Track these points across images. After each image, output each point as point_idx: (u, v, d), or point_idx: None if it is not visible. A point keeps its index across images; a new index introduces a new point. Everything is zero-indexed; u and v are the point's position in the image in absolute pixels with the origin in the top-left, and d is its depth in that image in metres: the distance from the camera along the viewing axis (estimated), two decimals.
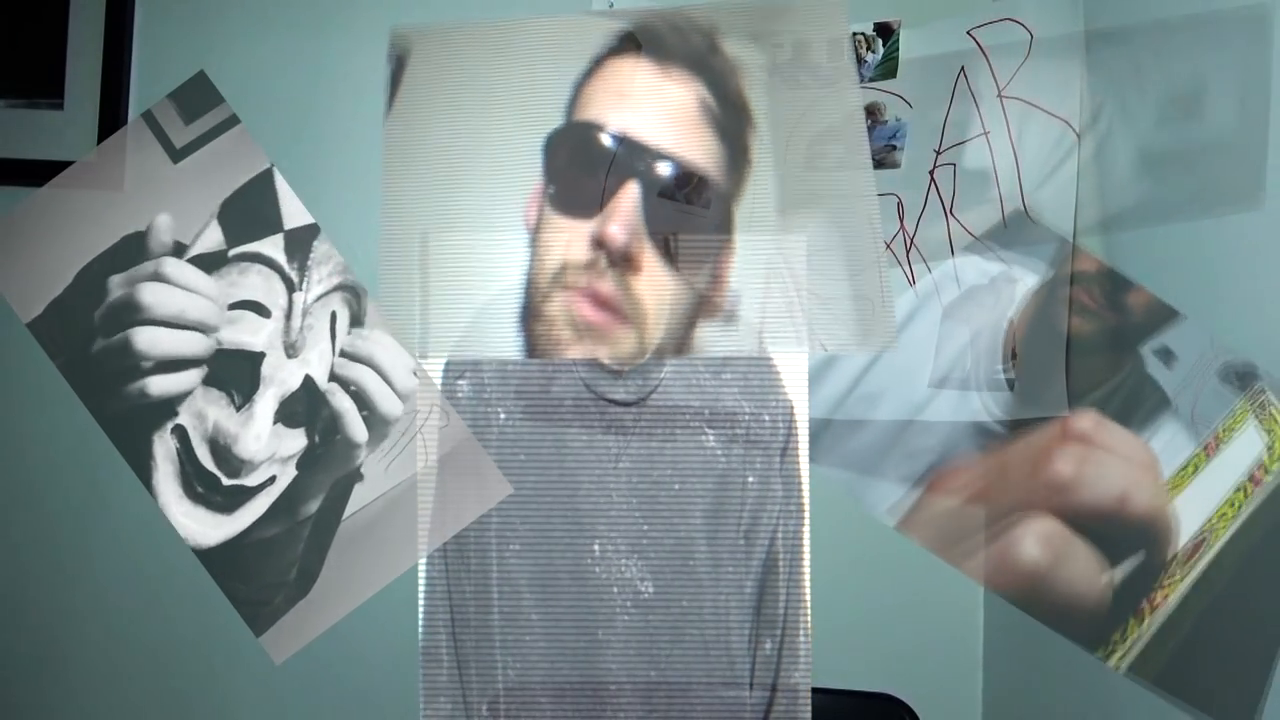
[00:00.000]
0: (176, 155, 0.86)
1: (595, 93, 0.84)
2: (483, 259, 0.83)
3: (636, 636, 0.82)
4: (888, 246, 0.89)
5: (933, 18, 0.96)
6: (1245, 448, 0.76)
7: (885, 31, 0.94)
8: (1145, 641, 0.79)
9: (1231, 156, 0.76)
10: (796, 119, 0.84)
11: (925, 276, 0.89)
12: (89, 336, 0.80)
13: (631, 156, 0.82)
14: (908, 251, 0.90)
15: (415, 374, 0.82)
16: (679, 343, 0.82)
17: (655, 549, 0.82)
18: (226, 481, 0.79)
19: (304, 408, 0.80)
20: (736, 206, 0.83)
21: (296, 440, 0.81)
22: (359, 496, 0.82)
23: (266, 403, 0.80)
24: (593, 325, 0.81)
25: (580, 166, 0.83)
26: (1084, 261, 0.85)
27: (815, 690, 0.81)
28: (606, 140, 0.82)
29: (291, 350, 0.80)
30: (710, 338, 0.82)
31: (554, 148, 0.84)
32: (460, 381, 0.83)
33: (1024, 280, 0.86)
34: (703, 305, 0.82)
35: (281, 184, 0.81)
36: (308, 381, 0.81)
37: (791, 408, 0.83)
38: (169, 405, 0.81)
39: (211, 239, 0.81)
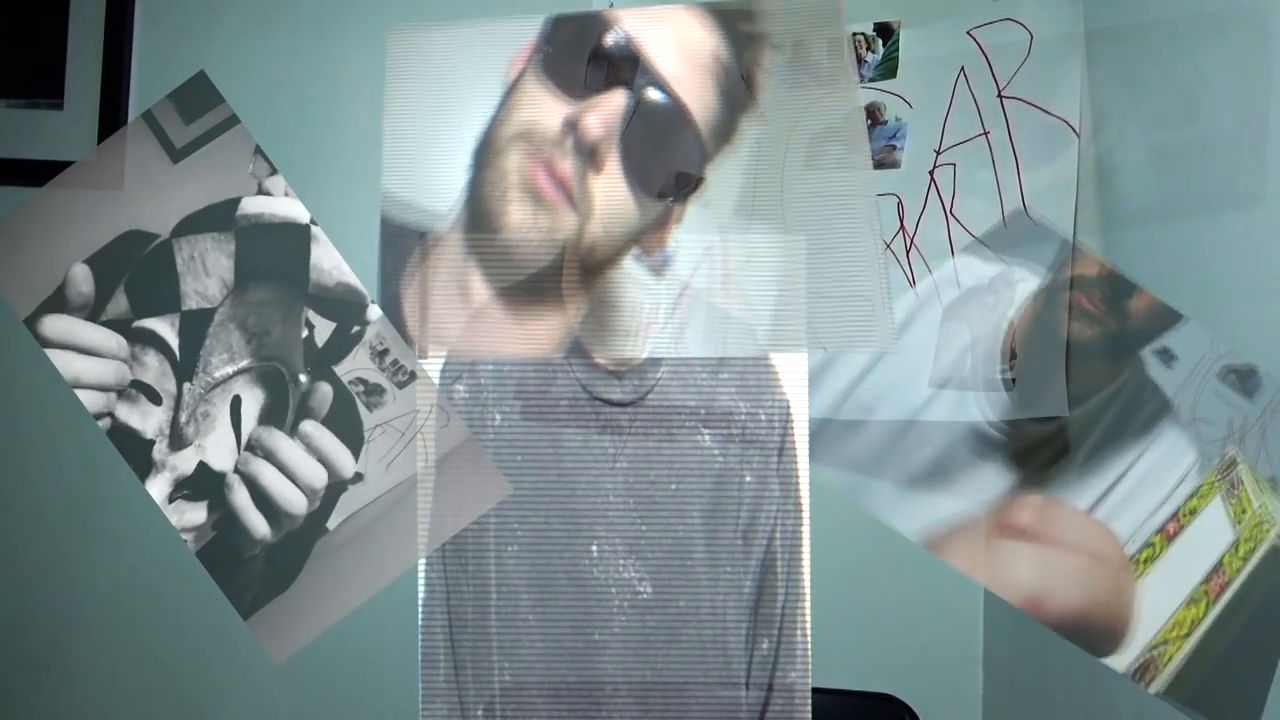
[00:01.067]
0: (176, 155, 0.86)
1: None
2: (484, 258, 0.83)
3: (634, 637, 0.82)
4: (888, 246, 0.89)
5: (933, 18, 0.96)
6: (1208, 538, 0.76)
7: (885, 31, 0.94)
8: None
9: (1231, 156, 0.76)
10: (796, 119, 0.84)
11: (925, 277, 0.89)
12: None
13: (632, 67, 0.82)
14: (908, 251, 0.90)
15: (415, 374, 0.81)
16: (606, 259, 0.82)
17: (653, 549, 0.82)
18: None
19: (201, 490, 0.79)
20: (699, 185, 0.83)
21: (199, 514, 0.80)
22: (359, 497, 0.82)
23: (158, 486, 0.80)
24: (541, 195, 0.82)
25: (581, 47, 0.84)
26: (1084, 262, 0.85)
27: (815, 690, 0.81)
28: (617, 39, 0.83)
29: (177, 441, 0.79)
30: (710, 338, 0.82)
31: (564, 21, 0.85)
32: (457, 384, 0.83)
33: (1024, 280, 0.86)
34: (641, 240, 0.82)
35: (181, 257, 0.79)
36: (202, 468, 0.79)
37: (789, 407, 0.82)
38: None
39: (118, 306, 0.80)
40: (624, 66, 0.82)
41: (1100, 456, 0.83)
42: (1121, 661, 0.78)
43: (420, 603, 0.83)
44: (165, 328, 0.78)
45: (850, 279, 0.83)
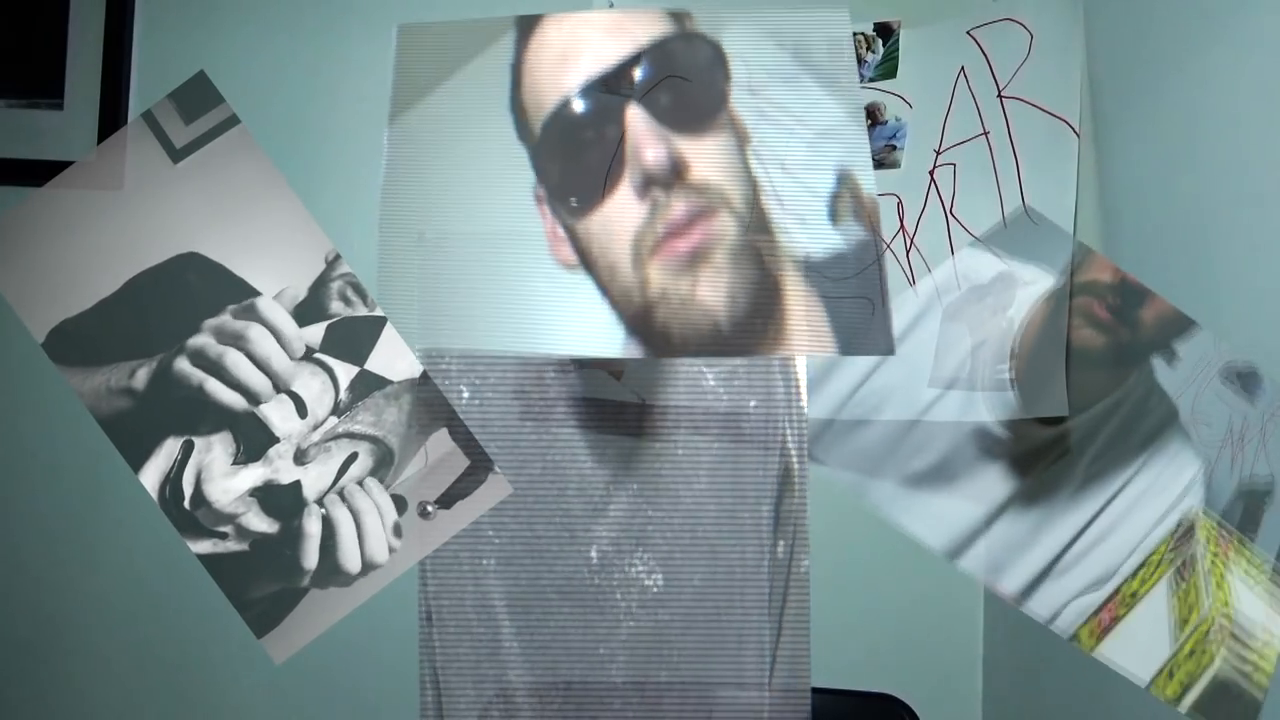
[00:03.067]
0: (176, 155, 0.86)
1: (542, 60, 0.82)
2: (484, 259, 0.83)
3: (637, 639, 0.82)
4: (887, 246, 0.89)
5: (933, 18, 0.96)
6: (1142, 649, 0.77)
7: (885, 31, 0.94)
8: None
9: (1232, 155, 0.76)
10: (796, 119, 0.84)
11: (925, 276, 0.89)
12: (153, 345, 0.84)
13: (617, 94, 0.79)
14: (908, 252, 0.90)
15: (420, 513, 0.83)
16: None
17: (654, 551, 0.82)
18: (186, 505, 0.83)
19: (282, 506, 0.83)
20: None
21: (263, 524, 0.83)
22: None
23: (252, 473, 0.83)
24: (696, 250, 0.77)
25: (576, 146, 0.80)
26: (1089, 263, 0.85)
27: (815, 690, 0.81)
28: (591, 100, 0.80)
29: (300, 456, 0.83)
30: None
31: (543, 147, 0.82)
32: (461, 385, 0.83)
33: (1024, 280, 0.86)
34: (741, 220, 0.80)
35: (389, 335, 0.83)
36: (295, 485, 0.82)
37: (790, 407, 0.82)
38: (193, 422, 0.84)
39: (313, 335, 0.84)
40: (607, 104, 0.80)
41: (1103, 463, 0.83)
42: None
43: (420, 603, 0.83)
44: (341, 370, 0.83)
45: (850, 279, 0.83)
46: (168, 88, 0.86)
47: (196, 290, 0.85)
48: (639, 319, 0.78)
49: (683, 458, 0.83)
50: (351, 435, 0.83)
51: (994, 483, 0.86)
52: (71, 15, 1.35)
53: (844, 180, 0.82)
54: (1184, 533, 0.77)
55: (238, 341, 0.84)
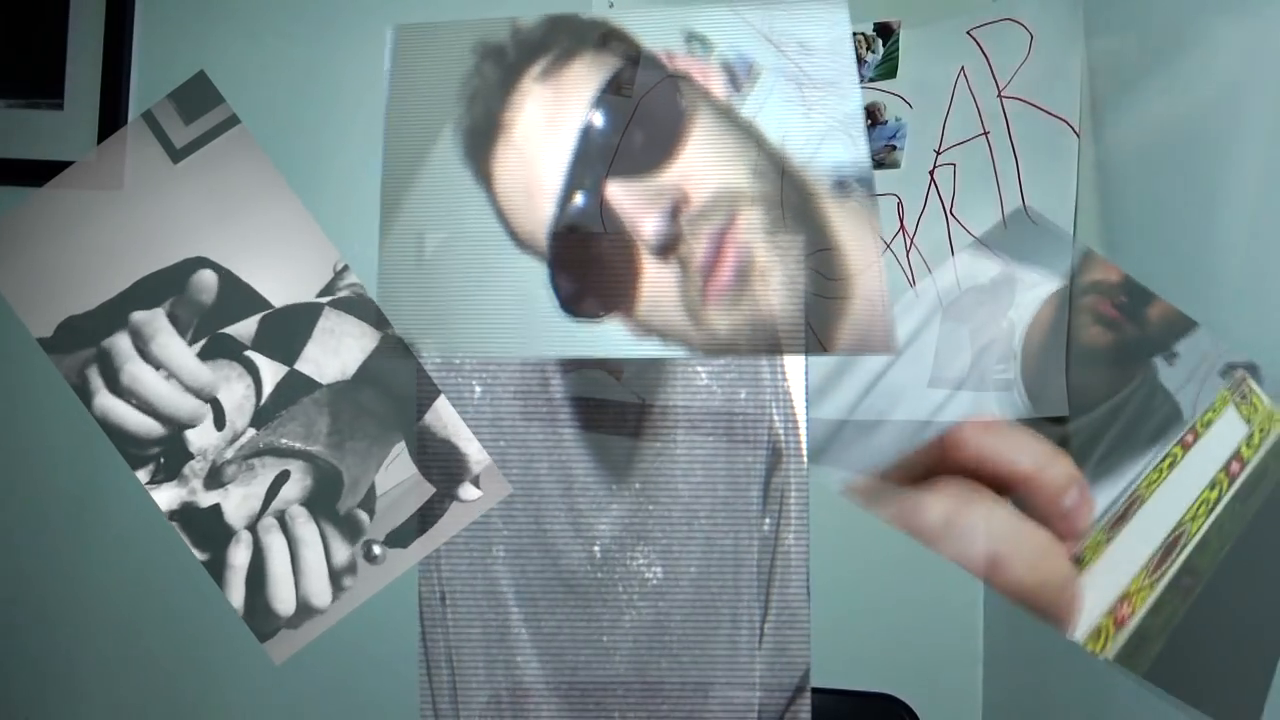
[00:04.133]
0: (176, 155, 0.86)
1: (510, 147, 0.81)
2: (485, 259, 0.83)
3: (635, 638, 0.82)
4: (887, 246, 0.89)
5: (933, 18, 0.96)
6: (1223, 437, 0.76)
7: (885, 31, 0.94)
8: (1127, 638, 0.78)
9: (1232, 155, 0.76)
10: (796, 119, 0.84)
11: (925, 276, 0.89)
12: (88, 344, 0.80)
13: (586, 173, 0.79)
14: (908, 252, 0.90)
15: (366, 555, 0.78)
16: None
17: (654, 545, 0.82)
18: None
19: (206, 535, 0.76)
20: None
21: (197, 553, 0.77)
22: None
23: (166, 494, 0.77)
24: (739, 269, 0.76)
25: (584, 258, 0.79)
26: (1091, 264, 0.85)
27: (815, 690, 0.81)
28: (571, 205, 0.78)
29: (214, 476, 0.75)
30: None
31: (554, 265, 0.80)
32: (473, 381, 0.83)
33: (1024, 279, 0.86)
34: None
35: (323, 327, 0.77)
36: (214, 510, 0.76)
37: (791, 407, 0.83)
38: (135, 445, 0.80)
39: (245, 330, 0.78)
40: (582, 184, 0.79)
41: (1109, 464, 0.82)
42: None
43: (432, 585, 0.83)
44: (269, 371, 0.76)
45: (850, 279, 0.83)
46: (168, 88, 0.86)
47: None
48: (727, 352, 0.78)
49: (680, 455, 0.83)
50: (277, 451, 0.74)
51: None
52: (71, 15, 1.35)
53: (843, 180, 0.82)
54: (1238, 380, 0.78)
55: (142, 350, 0.78)
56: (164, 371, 0.78)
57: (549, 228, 0.80)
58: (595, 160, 0.79)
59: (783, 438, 0.83)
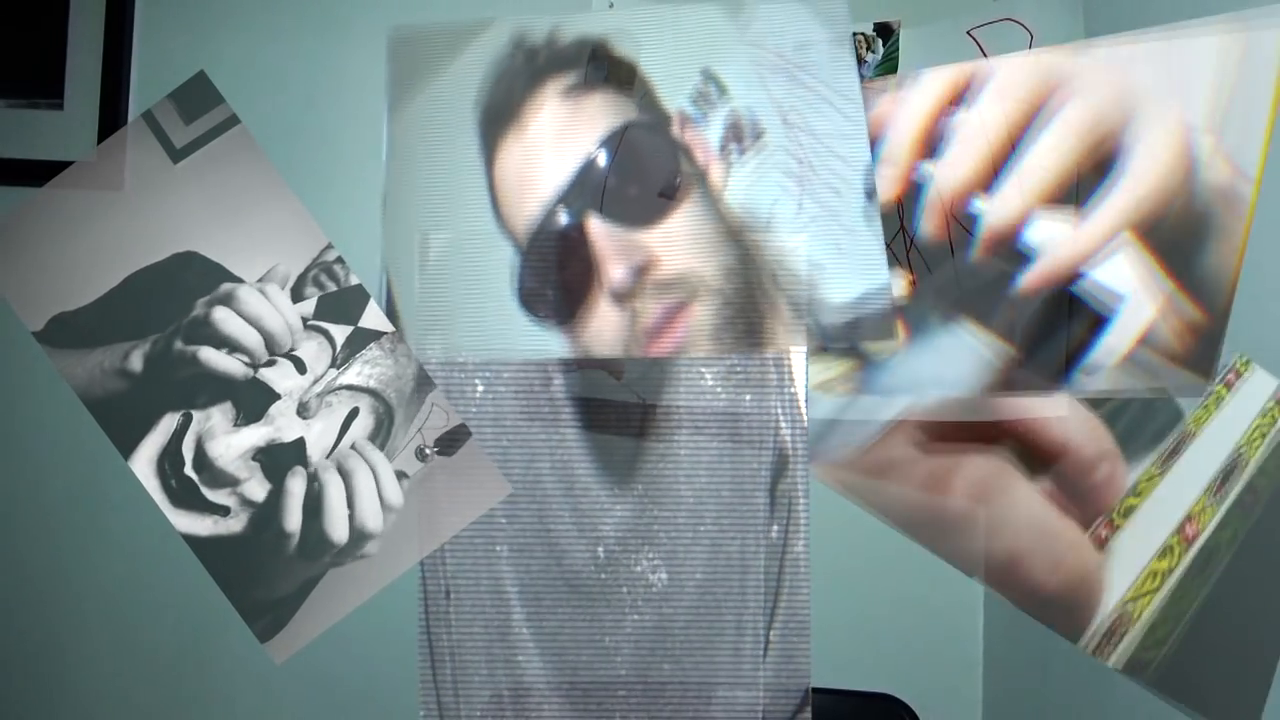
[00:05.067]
0: (176, 155, 0.86)
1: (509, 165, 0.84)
2: (486, 259, 0.83)
3: (638, 641, 0.82)
4: (888, 246, 0.89)
5: (933, 18, 0.96)
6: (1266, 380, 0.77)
7: (885, 31, 0.94)
8: (1135, 644, 0.78)
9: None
10: (796, 119, 0.84)
11: (925, 276, 0.89)
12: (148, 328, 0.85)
13: (579, 196, 0.82)
14: (908, 251, 0.90)
15: (418, 456, 0.83)
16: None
17: (659, 549, 0.82)
18: (188, 471, 0.83)
19: (284, 466, 0.83)
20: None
21: (262, 492, 0.83)
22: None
23: (255, 432, 0.83)
24: (679, 346, 0.81)
25: (555, 265, 0.83)
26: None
27: (815, 690, 0.81)
28: (557, 221, 0.83)
29: (303, 409, 0.83)
30: (711, 337, 0.82)
31: (526, 264, 0.83)
32: (476, 379, 0.83)
33: (1024, 279, 0.86)
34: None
35: (373, 306, 0.85)
36: (299, 443, 0.83)
37: (793, 407, 0.83)
38: (191, 396, 0.84)
39: (305, 308, 0.85)
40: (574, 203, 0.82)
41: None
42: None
43: (420, 603, 0.83)
44: (337, 330, 0.84)
45: (850, 279, 0.83)
46: (168, 88, 0.86)
47: (194, 286, 0.85)
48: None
49: (684, 457, 0.83)
50: (352, 388, 0.83)
51: None
52: (71, 15, 1.35)
53: (844, 179, 0.82)
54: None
55: (227, 301, 0.85)
56: (251, 320, 0.85)
57: (530, 226, 0.83)
58: (588, 190, 0.82)
59: (789, 443, 0.83)
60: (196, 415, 0.84)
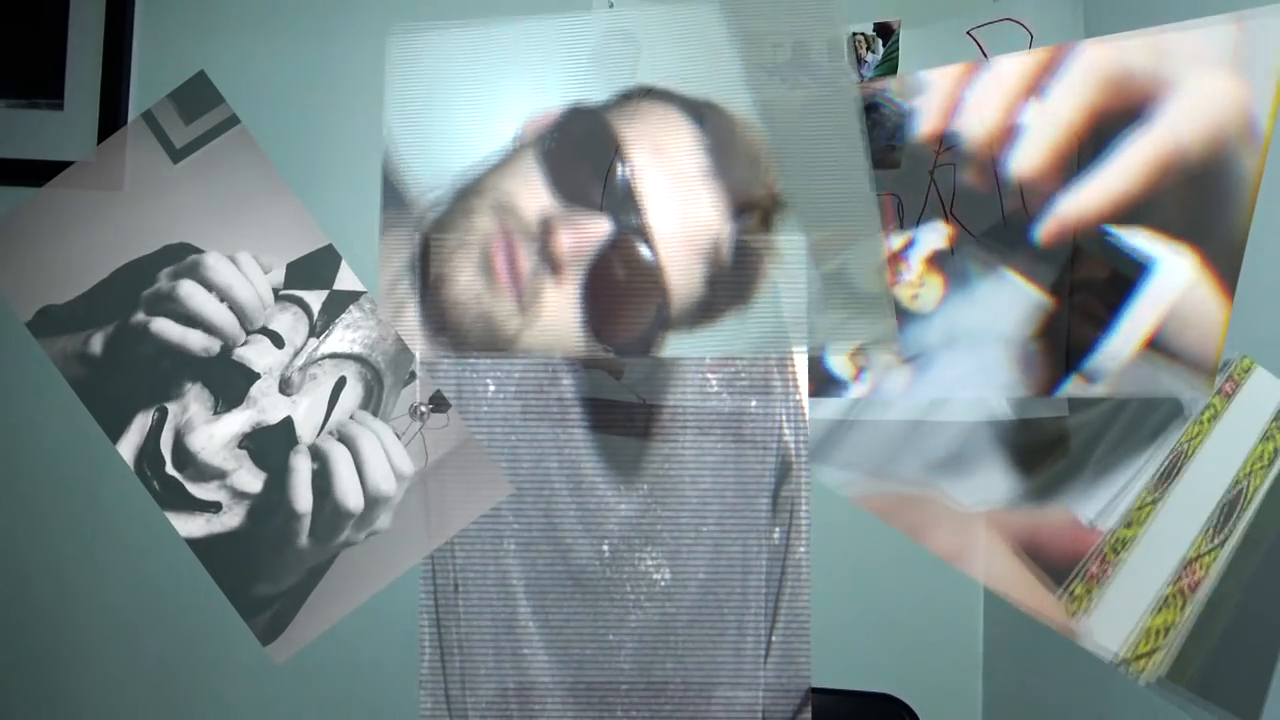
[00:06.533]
0: (176, 155, 0.86)
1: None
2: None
3: (641, 638, 0.82)
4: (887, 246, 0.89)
5: (933, 18, 0.96)
6: (1265, 388, 0.75)
7: (885, 31, 0.94)
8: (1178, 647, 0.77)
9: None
10: (796, 119, 0.84)
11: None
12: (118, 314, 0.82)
13: (629, 209, 0.80)
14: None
15: (412, 414, 0.80)
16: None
17: (663, 548, 0.82)
18: (169, 470, 0.79)
19: (273, 451, 0.79)
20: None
21: (256, 482, 0.79)
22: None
23: (237, 417, 0.80)
24: (494, 273, 0.79)
25: (587, 151, 0.80)
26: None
27: (815, 690, 0.82)
28: (623, 175, 0.80)
29: (286, 386, 0.79)
30: (711, 337, 0.82)
31: (581, 116, 0.81)
32: (487, 379, 0.83)
33: (1024, 279, 0.86)
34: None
35: (345, 267, 0.83)
36: (286, 423, 0.79)
37: (802, 418, 0.83)
38: (164, 387, 0.81)
39: (275, 278, 0.82)
40: (622, 203, 0.79)
41: (1111, 461, 0.82)
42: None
43: (425, 597, 0.83)
44: (311, 297, 0.81)
45: (850, 279, 0.83)
46: (168, 88, 0.86)
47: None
48: None
49: (689, 459, 0.83)
50: (336, 356, 0.79)
51: (999, 480, 0.86)
52: (71, 15, 1.35)
53: (844, 180, 0.83)
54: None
55: (193, 273, 0.81)
56: (217, 293, 0.81)
57: (597, 198, 0.80)
58: (636, 213, 0.80)
59: (792, 449, 0.83)
60: (172, 408, 0.79)
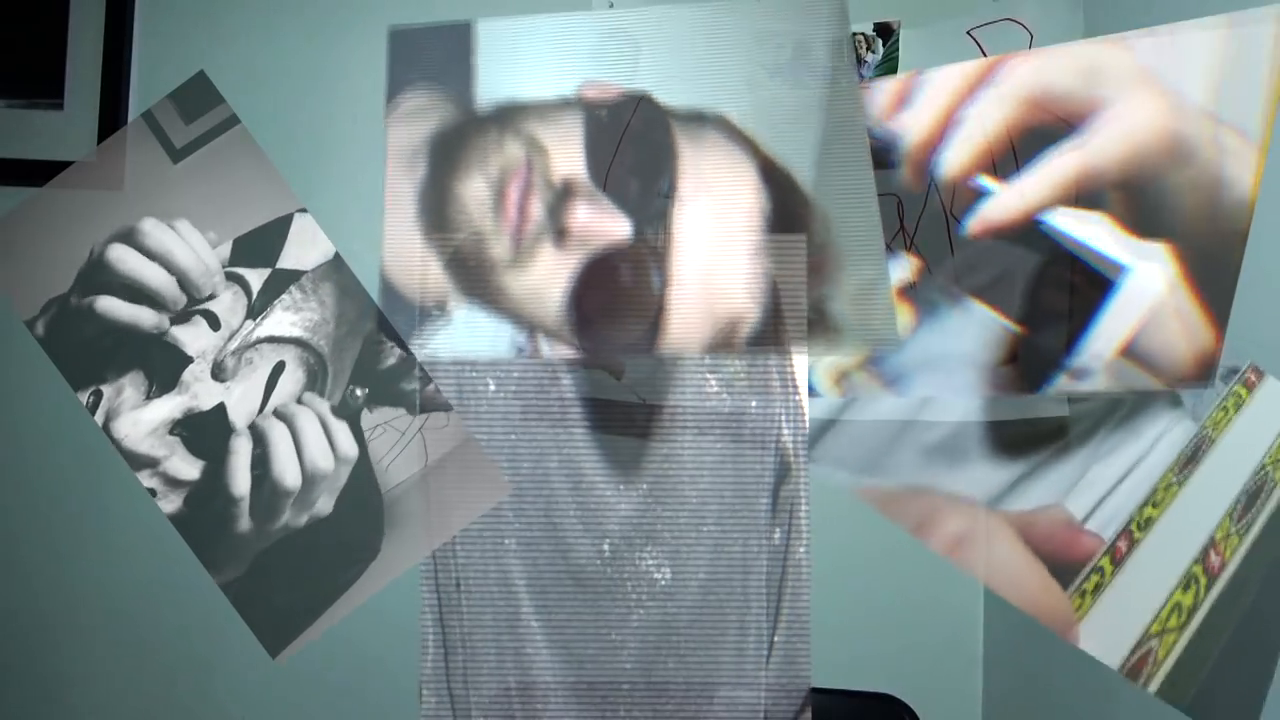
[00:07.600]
0: (176, 155, 0.86)
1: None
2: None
3: (642, 637, 0.82)
4: (888, 246, 0.89)
5: (933, 18, 0.96)
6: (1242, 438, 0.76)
7: (885, 31, 0.94)
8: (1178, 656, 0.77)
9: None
10: (796, 119, 0.84)
11: (925, 277, 0.89)
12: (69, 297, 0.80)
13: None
14: (908, 251, 0.90)
15: (348, 397, 0.78)
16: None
17: (663, 547, 0.82)
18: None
19: (207, 438, 0.76)
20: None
21: (192, 469, 0.77)
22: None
23: (167, 403, 0.77)
24: (503, 207, 0.77)
25: (625, 145, 0.79)
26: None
27: (815, 690, 0.82)
28: (663, 186, 0.79)
29: (219, 371, 0.76)
30: (712, 338, 0.82)
31: (648, 105, 0.79)
32: (488, 378, 0.83)
33: (1023, 278, 0.86)
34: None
35: (297, 228, 0.79)
36: (219, 410, 0.76)
37: (795, 407, 0.83)
38: (100, 364, 0.78)
39: (222, 252, 0.80)
40: (650, 217, 0.78)
41: (1107, 457, 0.83)
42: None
43: (428, 595, 0.83)
44: (254, 276, 0.77)
45: (850, 279, 0.83)
46: (168, 88, 0.86)
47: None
48: None
49: (689, 458, 0.83)
50: (275, 339, 0.76)
51: (994, 476, 0.86)
52: (71, 15, 1.35)
53: (844, 180, 0.83)
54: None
55: (127, 239, 0.78)
56: (157, 256, 0.78)
57: (629, 194, 0.79)
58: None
59: (791, 450, 0.83)
60: (106, 391, 0.76)
